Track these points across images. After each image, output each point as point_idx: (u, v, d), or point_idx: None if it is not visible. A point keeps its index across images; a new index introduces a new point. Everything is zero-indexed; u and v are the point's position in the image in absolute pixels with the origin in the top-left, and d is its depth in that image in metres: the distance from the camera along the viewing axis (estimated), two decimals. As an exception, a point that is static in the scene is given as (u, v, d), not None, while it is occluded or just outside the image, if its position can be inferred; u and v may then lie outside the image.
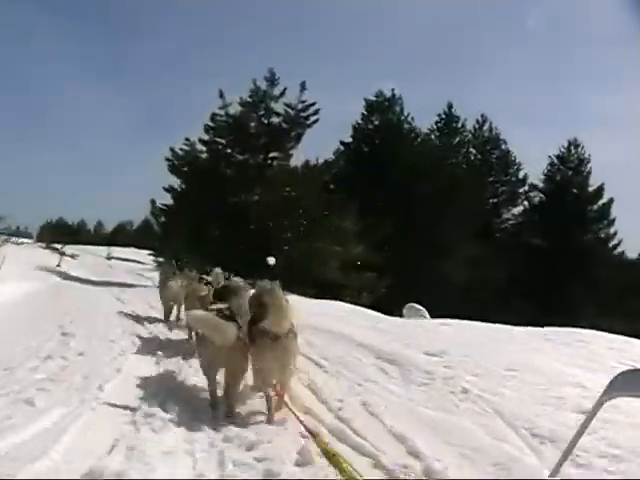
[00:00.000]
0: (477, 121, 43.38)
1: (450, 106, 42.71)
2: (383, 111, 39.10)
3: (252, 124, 25.61)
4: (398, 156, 34.92)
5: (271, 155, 25.88)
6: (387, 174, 33.31)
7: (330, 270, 23.17)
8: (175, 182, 25.45)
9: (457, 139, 42.66)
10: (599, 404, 2.47)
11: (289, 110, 25.84)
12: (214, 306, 4.87)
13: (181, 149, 25.43)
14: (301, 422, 3.89)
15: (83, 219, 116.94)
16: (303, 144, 26.38)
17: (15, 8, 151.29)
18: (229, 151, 25.43)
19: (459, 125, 42.94)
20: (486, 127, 43.43)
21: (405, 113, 39.57)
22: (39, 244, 48.13)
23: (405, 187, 33.02)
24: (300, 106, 25.89)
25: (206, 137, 25.46)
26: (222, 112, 25.46)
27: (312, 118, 26.11)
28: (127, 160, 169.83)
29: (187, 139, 25.63)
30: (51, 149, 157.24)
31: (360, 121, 38.31)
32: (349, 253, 23.62)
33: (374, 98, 39.80)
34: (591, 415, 2.57)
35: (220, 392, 4.56)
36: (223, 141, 25.31)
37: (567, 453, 2.77)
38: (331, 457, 3.11)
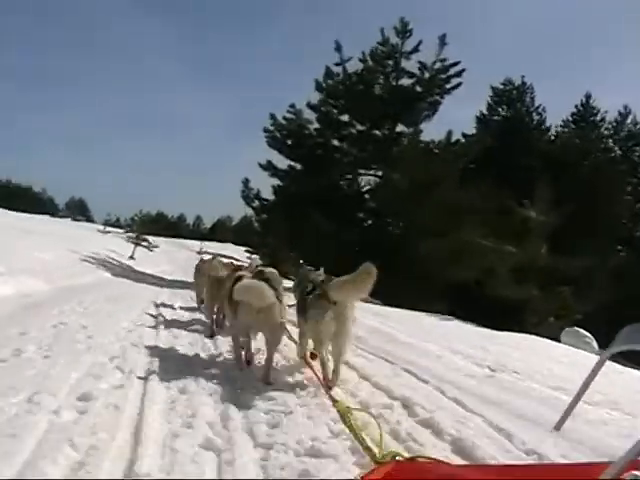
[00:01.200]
0: (619, 113, 36.58)
1: (588, 96, 35.96)
2: (512, 101, 33.28)
3: (376, 86, 19.56)
4: (528, 151, 28.35)
5: (399, 127, 19.69)
6: (514, 170, 26.72)
7: (496, 280, 16.42)
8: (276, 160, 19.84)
9: (595, 133, 35.28)
10: (602, 360, 1.89)
11: (424, 70, 19.56)
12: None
13: (284, 118, 19.88)
14: (328, 392, 3.77)
15: (183, 213, 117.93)
16: (440, 115, 20.05)
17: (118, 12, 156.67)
18: (344, 119, 19.45)
19: (597, 118, 36.15)
20: (629, 120, 36.51)
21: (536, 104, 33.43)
22: (128, 235, 45.60)
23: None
24: (438, 65, 19.53)
25: (316, 101, 19.63)
26: (338, 70, 19.63)
27: (453, 82, 19.69)
28: (227, 157, 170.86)
29: (292, 106, 20.06)
30: (154, 147, 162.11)
31: (485, 112, 32.39)
32: (523, 255, 16.83)
33: (502, 86, 33.81)
34: (595, 370, 1.94)
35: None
36: (337, 106, 19.38)
37: (571, 408, 2.12)
38: (349, 425, 2.99)
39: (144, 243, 27.47)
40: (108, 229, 37.26)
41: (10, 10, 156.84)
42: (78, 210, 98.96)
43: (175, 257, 33.58)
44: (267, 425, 3.17)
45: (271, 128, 19.73)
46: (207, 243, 46.49)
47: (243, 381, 4.08)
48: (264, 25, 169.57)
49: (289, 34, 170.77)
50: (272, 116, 19.72)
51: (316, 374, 4.13)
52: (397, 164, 18.53)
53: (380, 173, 19.46)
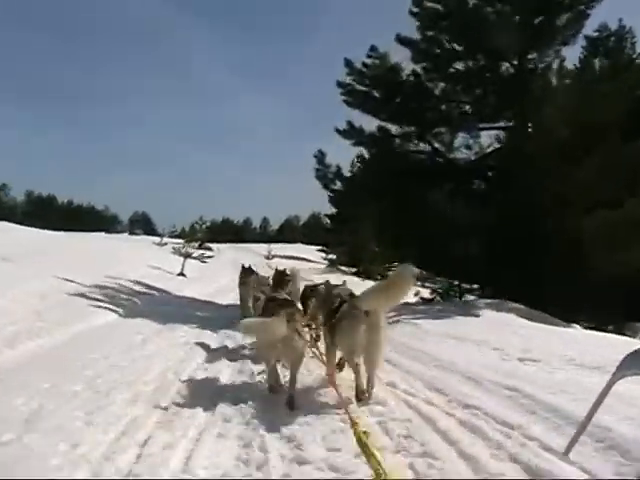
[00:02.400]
0: None
1: None
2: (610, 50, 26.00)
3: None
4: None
5: (531, 55, 13.55)
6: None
7: None
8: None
9: None
10: (611, 383, 2.41)
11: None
12: (268, 294, 5.18)
13: (365, 64, 14.24)
14: (346, 411, 3.63)
15: (249, 217, 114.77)
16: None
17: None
18: (450, 49, 13.50)
19: None
20: None
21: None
22: (175, 246, 41.95)
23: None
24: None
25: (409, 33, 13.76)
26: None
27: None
28: (290, 157, 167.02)
29: (373, 49, 14.36)
30: (216, 156, 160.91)
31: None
32: None
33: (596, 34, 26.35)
34: (604, 393, 2.52)
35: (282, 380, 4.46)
36: (441, 34, 13.45)
37: (581, 431, 2.76)
38: (364, 447, 3.00)
39: (195, 254, 22.54)
40: (165, 240, 32.90)
41: (74, 31, 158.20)
42: (142, 225, 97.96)
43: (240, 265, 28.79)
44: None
45: (348, 80, 14.18)
46: (275, 245, 41.50)
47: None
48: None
49: None
50: (348, 63, 14.12)
51: (340, 395, 3.90)
52: (537, 109, 12.52)
53: (510, 124, 13.49)
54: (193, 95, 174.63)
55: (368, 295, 4.03)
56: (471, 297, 14.56)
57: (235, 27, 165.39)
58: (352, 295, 4.33)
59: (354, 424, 3.31)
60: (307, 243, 62.44)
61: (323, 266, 31.42)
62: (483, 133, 13.84)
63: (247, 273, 9.00)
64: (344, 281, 5.45)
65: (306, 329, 5.18)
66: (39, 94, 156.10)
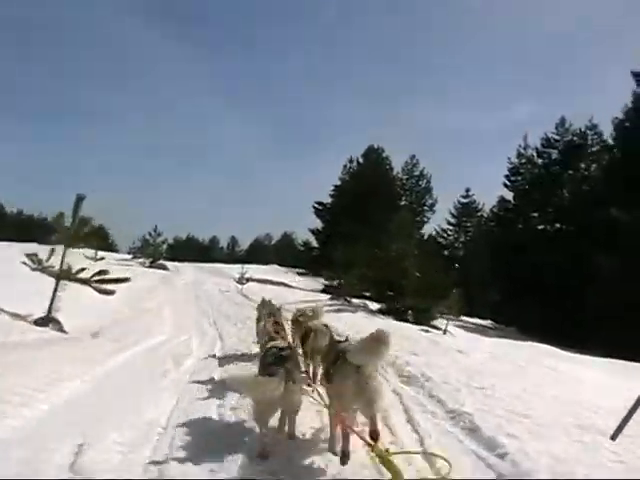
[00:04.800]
0: None
1: None
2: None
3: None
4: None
5: None
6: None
7: None
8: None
9: None
10: None
11: None
12: (270, 343, 4.93)
13: None
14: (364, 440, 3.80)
15: (215, 236, 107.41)
16: None
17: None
18: None
19: None
20: None
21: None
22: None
23: None
24: None
25: None
26: None
27: None
28: (257, 176, 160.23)
29: None
30: (180, 175, 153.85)
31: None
32: None
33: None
34: None
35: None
36: None
37: (627, 418, 3.27)
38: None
39: (96, 279, 13.36)
40: (101, 255, 25.70)
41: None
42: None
43: (201, 293, 21.67)
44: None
45: None
46: (250, 266, 34.20)
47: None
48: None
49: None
50: None
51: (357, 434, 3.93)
52: None
53: None
54: (155, 110, 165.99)
55: (355, 351, 4.09)
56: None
57: (204, 46, 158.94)
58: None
59: (373, 445, 3.51)
60: (281, 265, 56.10)
61: (321, 296, 24.48)
62: None
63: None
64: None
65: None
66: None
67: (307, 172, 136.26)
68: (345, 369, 4.07)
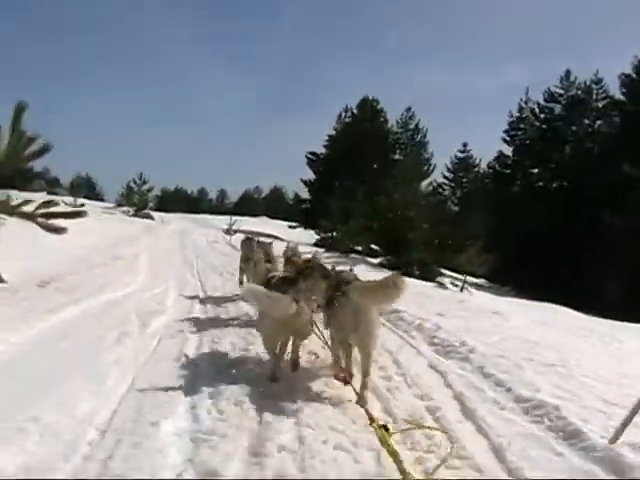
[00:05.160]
0: None
1: None
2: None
3: None
4: None
5: None
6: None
7: None
8: None
9: None
10: None
11: None
12: (270, 274, 4.90)
13: None
14: (367, 412, 3.42)
15: (204, 187, 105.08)
16: None
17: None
18: None
19: None
20: None
21: None
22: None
23: None
24: None
25: None
26: None
27: None
28: (244, 132, 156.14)
29: None
30: (170, 122, 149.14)
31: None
32: None
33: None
34: None
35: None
36: None
37: (627, 421, 2.66)
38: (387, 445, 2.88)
39: (41, 212, 10.41)
40: (81, 202, 23.79)
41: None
42: (85, 190, 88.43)
43: (188, 243, 20.10)
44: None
45: None
46: (238, 218, 32.37)
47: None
48: None
49: None
50: None
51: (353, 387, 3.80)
52: None
53: None
54: (147, 61, 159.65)
55: (359, 290, 4.02)
56: None
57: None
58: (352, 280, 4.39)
59: (372, 420, 3.23)
60: (272, 217, 54.53)
61: (315, 249, 22.84)
62: None
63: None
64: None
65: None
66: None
67: (299, 124, 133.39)
68: (346, 301, 3.96)
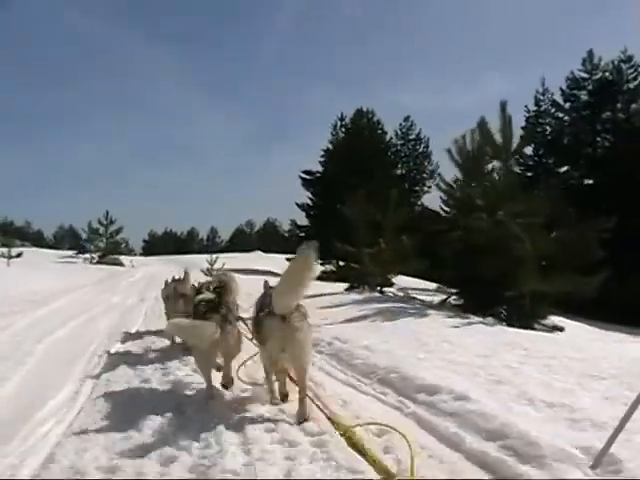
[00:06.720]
0: None
1: None
2: None
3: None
4: None
5: None
6: None
7: None
8: None
9: None
10: None
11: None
12: (199, 296, 4.65)
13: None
14: (326, 416, 3.60)
15: (194, 227, 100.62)
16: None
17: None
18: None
19: None
20: None
21: None
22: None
23: None
24: None
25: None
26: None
27: None
28: (233, 168, 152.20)
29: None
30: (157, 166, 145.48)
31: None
32: None
33: None
34: (635, 403, 2.40)
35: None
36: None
37: (611, 441, 2.60)
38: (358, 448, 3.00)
39: None
40: (18, 252, 18.42)
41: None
42: (69, 241, 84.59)
43: (148, 295, 14.39)
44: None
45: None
46: (225, 255, 26.70)
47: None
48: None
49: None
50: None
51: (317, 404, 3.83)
52: None
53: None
54: (131, 108, 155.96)
55: (275, 294, 3.70)
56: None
57: (186, 45, 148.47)
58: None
59: (337, 425, 3.32)
60: (266, 251, 49.43)
61: (325, 285, 16.22)
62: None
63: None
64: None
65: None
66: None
67: (286, 154, 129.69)
68: (270, 319, 3.76)
